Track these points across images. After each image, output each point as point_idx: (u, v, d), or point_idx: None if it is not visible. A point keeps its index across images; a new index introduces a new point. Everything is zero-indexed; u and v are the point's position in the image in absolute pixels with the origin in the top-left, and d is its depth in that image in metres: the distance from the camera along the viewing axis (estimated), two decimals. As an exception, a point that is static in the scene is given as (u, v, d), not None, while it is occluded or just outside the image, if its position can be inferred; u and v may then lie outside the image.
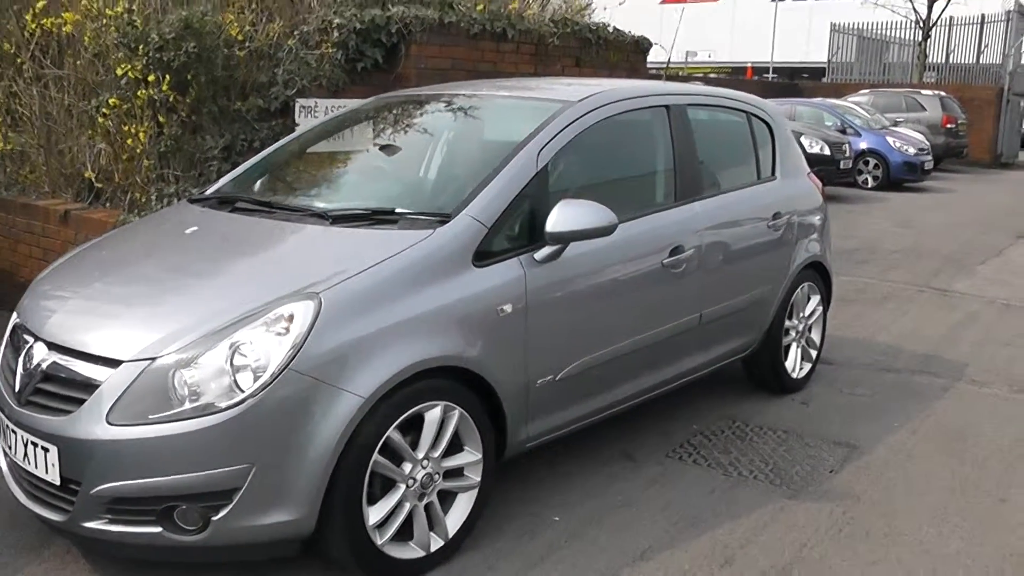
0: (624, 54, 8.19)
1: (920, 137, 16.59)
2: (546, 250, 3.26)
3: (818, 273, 4.95)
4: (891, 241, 10.05)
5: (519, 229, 3.28)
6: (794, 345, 4.85)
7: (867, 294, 7.35)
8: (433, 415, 2.94)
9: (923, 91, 20.40)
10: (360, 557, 2.84)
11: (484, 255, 3.13)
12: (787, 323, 4.73)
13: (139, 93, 5.27)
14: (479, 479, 3.12)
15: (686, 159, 4.02)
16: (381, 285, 2.88)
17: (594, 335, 3.49)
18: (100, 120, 5.48)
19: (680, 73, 26.92)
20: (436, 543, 3.01)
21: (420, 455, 2.94)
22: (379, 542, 2.86)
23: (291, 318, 2.69)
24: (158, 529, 2.64)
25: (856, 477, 3.88)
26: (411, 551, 2.96)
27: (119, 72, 5.32)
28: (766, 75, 32.75)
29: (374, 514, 2.84)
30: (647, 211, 3.81)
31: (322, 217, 3.28)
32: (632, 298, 3.64)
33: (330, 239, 3.18)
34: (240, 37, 5.55)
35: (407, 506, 2.93)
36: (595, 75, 8.00)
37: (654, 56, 8.84)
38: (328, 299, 2.76)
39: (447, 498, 3.08)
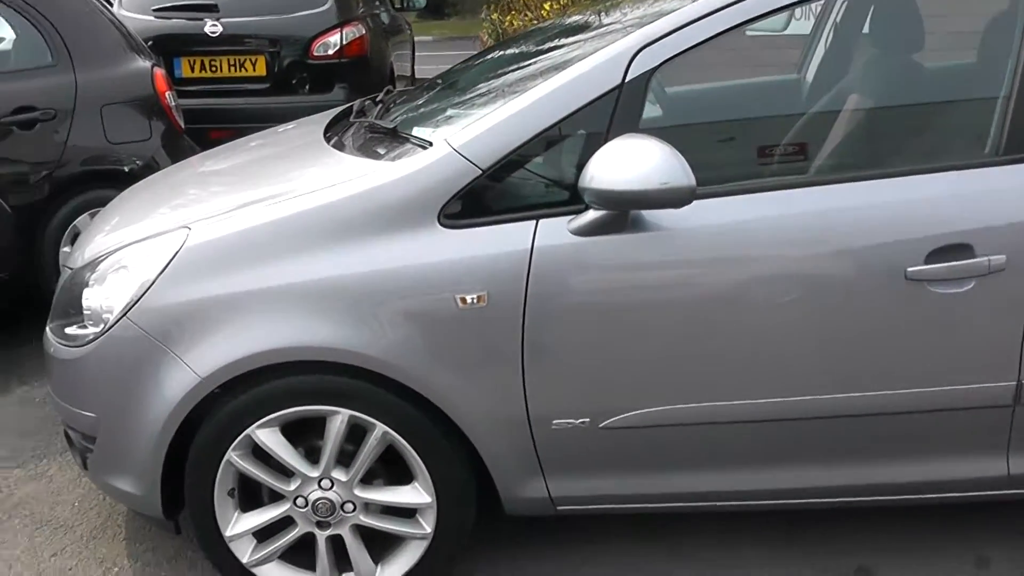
0: None
1: None
2: (589, 216, 1.99)
3: None
4: None
5: (557, 178, 2.08)
6: None
7: None
8: (334, 425, 2.10)
9: None
10: (220, 567, 2.27)
11: (469, 210, 2.04)
12: None
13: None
14: (431, 530, 2.18)
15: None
16: (276, 229, 2.08)
17: (701, 370, 2.06)
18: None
19: None
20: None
21: (315, 472, 2.15)
22: (245, 558, 2.21)
23: (158, 250, 2.14)
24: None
25: None
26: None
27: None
28: None
29: (243, 522, 2.20)
30: (888, 170, 2.06)
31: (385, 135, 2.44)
32: (803, 323, 2.03)
33: (337, 165, 2.35)
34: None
35: (296, 529, 2.21)
36: None
37: None
38: (198, 235, 2.11)
39: (391, 543, 2.25)
